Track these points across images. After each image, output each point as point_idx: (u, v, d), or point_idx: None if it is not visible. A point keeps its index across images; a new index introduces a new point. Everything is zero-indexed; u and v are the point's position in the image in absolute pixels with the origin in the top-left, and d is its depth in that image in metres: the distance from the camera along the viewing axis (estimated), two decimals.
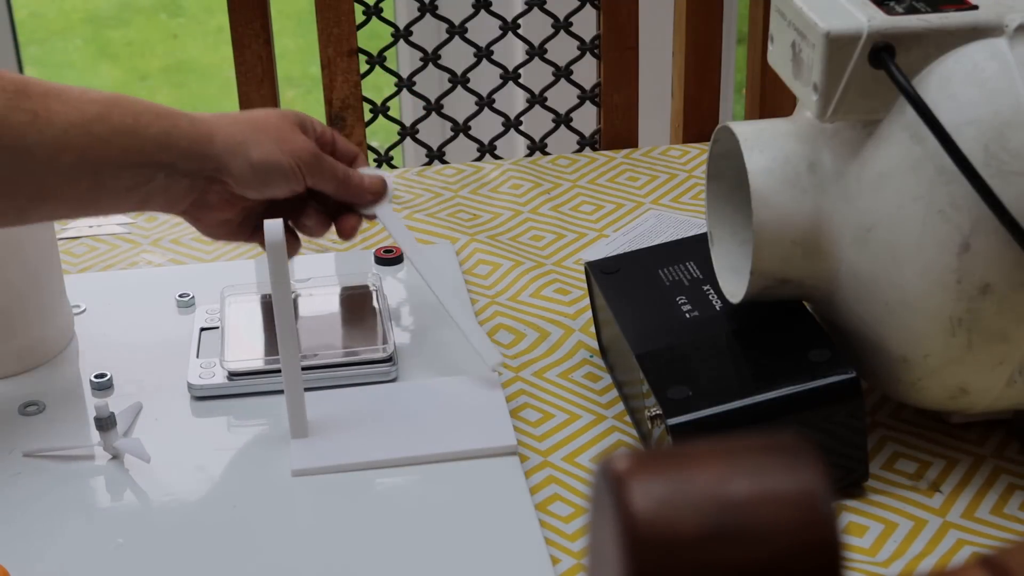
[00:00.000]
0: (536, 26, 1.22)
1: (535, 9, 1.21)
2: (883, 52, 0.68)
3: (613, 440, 0.79)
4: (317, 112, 0.99)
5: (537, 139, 1.25)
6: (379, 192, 0.86)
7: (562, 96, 1.23)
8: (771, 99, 1.21)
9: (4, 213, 0.74)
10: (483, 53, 1.21)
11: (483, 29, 1.22)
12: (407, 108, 2.10)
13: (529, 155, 1.24)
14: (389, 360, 0.84)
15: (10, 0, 2.10)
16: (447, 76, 1.22)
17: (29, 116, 0.71)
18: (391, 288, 0.95)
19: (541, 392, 0.84)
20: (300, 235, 0.86)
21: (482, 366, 0.84)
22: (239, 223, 0.83)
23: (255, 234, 0.84)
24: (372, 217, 0.87)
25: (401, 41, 1.21)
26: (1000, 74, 0.67)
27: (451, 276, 0.96)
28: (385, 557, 0.69)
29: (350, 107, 1.18)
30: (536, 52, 1.22)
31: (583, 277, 0.96)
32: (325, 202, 0.85)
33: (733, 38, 2.14)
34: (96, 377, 0.83)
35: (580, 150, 1.24)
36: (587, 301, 0.91)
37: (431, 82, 1.28)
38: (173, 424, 0.80)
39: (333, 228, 0.86)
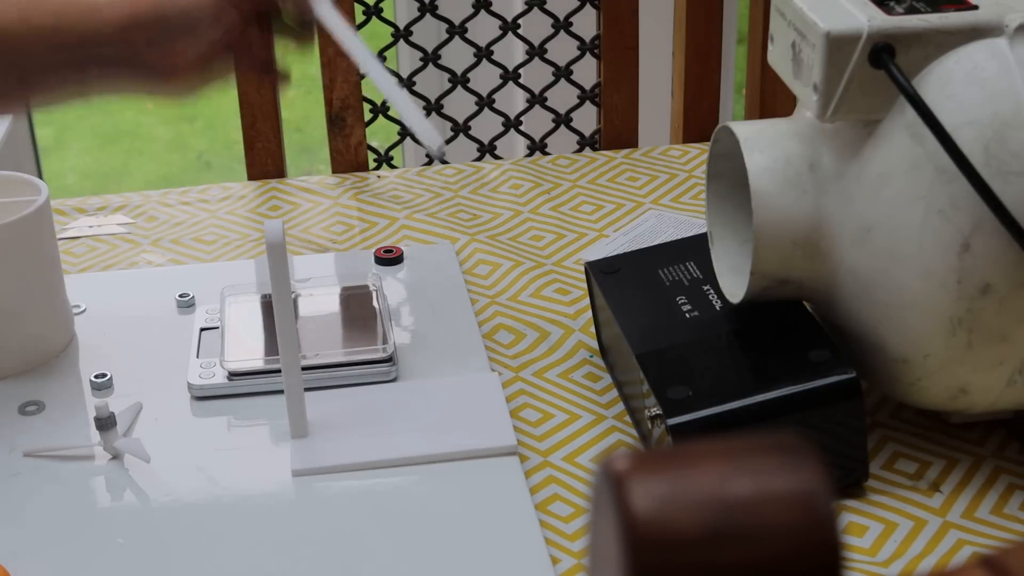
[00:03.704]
0: (536, 26, 1.22)
1: (535, 9, 1.21)
2: (883, 52, 0.68)
3: (613, 440, 0.79)
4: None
5: (537, 139, 1.25)
6: None
7: (562, 96, 1.23)
8: (771, 99, 1.21)
9: None
10: (483, 53, 1.21)
11: (483, 29, 1.22)
12: None
13: (529, 155, 1.24)
14: (389, 360, 0.84)
15: None
16: (447, 76, 1.22)
17: None
18: (391, 288, 0.95)
19: (541, 392, 0.84)
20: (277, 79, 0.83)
21: (483, 366, 0.84)
22: (203, 67, 0.79)
23: (225, 68, 0.81)
24: (309, 27, 0.81)
25: (401, 41, 1.21)
26: (1000, 74, 0.67)
27: (451, 273, 0.96)
28: (385, 557, 0.69)
29: (350, 107, 1.18)
30: (536, 52, 1.22)
31: (583, 277, 0.96)
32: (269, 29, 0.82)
33: (733, 38, 2.13)
34: (96, 377, 0.83)
35: (580, 150, 1.24)
36: (587, 301, 0.91)
37: (431, 82, 1.28)
38: (173, 424, 0.80)
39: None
